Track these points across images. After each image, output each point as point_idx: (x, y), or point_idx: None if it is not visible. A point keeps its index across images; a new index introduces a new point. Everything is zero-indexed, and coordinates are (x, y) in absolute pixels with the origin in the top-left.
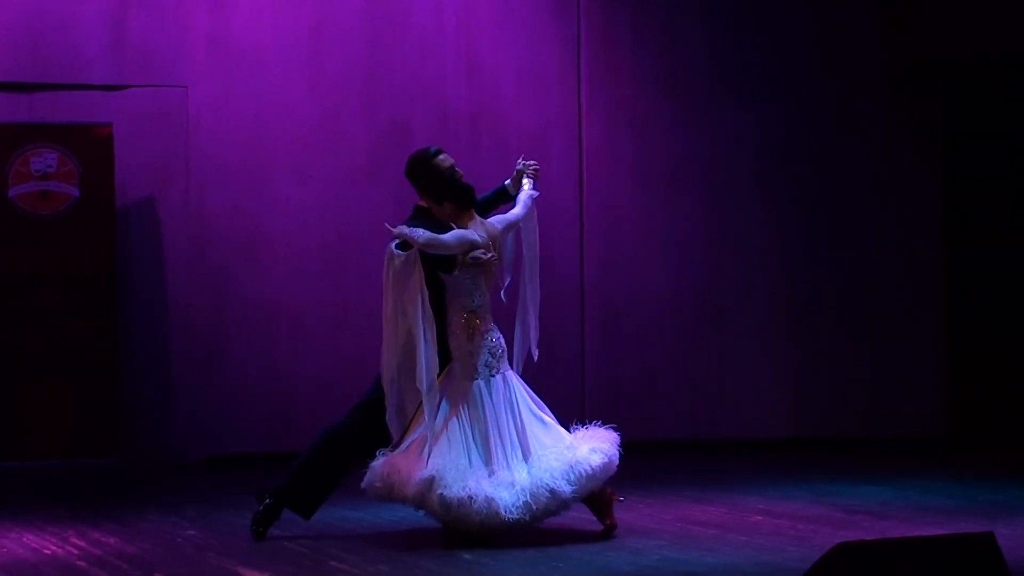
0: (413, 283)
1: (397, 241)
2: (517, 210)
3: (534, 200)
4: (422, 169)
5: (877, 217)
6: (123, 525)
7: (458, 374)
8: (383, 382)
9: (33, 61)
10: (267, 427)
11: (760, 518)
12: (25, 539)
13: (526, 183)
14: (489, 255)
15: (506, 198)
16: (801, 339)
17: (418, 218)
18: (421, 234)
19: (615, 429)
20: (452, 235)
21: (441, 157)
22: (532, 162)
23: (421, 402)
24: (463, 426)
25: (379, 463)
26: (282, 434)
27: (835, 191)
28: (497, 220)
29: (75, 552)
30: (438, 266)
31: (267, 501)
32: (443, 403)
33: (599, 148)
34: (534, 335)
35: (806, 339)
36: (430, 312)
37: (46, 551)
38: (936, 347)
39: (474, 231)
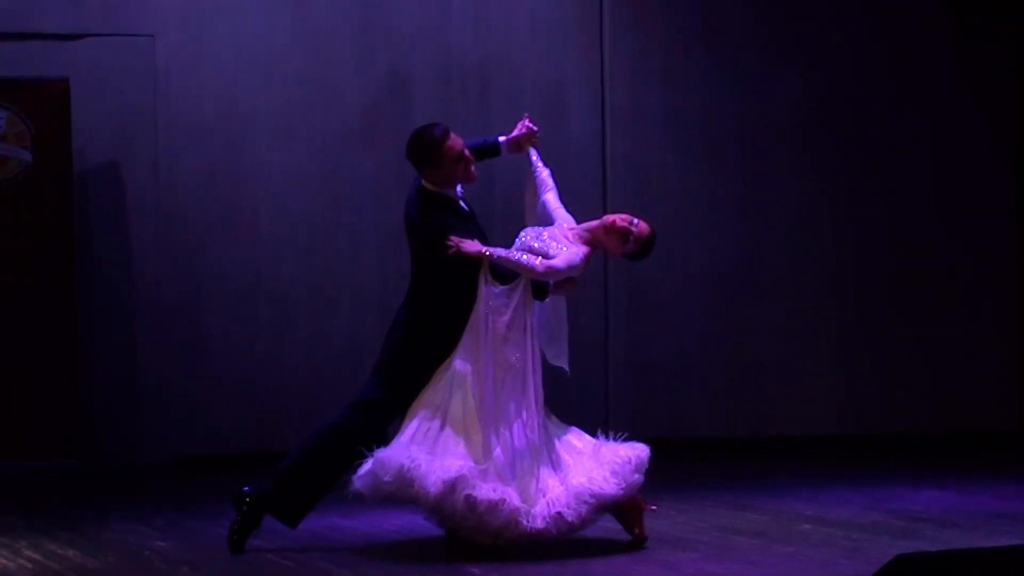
0: (522, 314)
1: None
2: (554, 199)
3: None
4: (429, 157)
5: (941, 187)
6: (83, 535)
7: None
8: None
9: None
10: (247, 424)
11: (809, 526)
12: None
13: (536, 162)
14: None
15: (492, 155)
16: (853, 323)
17: (441, 209)
18: (538, 264)
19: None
20: (564, 262)
21: (449, 143)
22: (534, 126)
23: (424, 389)
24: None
25: (390, 456)
26: (264, 432)
27: (893, 158)
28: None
29: (28, 566)
30: (534, 292)
31: (245, 508)
32: (462, 399)
33: (624, 106)
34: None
35: (859, 323)
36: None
37: None
38: (1008, 332)
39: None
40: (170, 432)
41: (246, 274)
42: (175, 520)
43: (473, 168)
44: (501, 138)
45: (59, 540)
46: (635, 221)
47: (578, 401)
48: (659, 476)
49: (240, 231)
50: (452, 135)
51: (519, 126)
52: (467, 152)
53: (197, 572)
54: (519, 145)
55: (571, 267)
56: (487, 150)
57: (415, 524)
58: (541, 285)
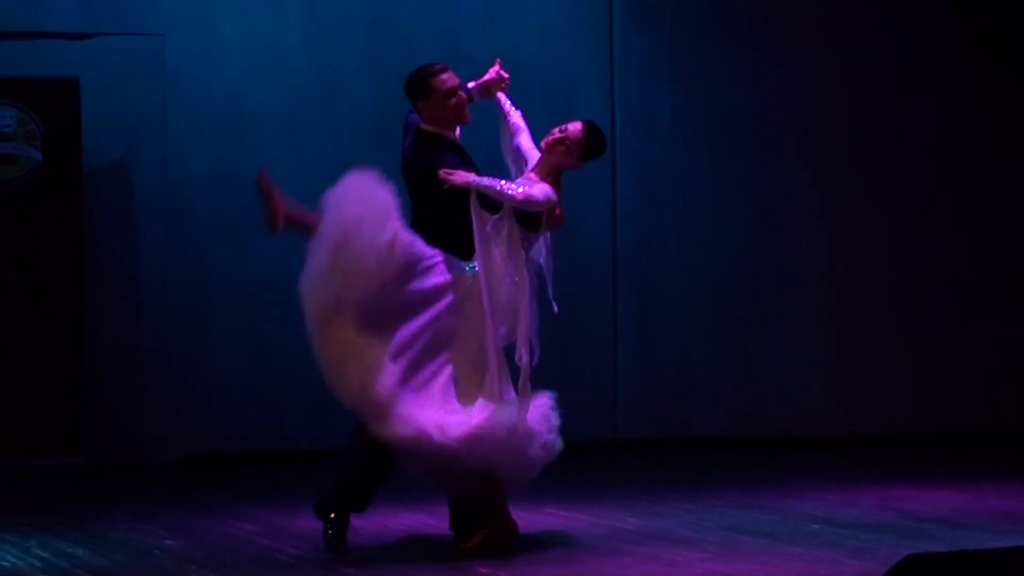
0: (513, 244)
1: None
2: (527, 140)
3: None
4: (421, 87)
5: (949, 185)
6: (91, 534)
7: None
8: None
9: None
10: (254, 422)
11: (816, 526)
12: None
13: (506, 104)
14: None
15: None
16: (861, 322)
17: (429, 144)
18: (516, 191)
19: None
20: (541, 192)
21: (443, 77)
22: (504, 73)
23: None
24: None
25: (412, 414)
26: (271, 430)
27: (901, 156)
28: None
29: (37, 564)
30: (524, 223)
31: (332, 516)
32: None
33: (634, 106)
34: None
35: (867, 322)
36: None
37: (4, 563)
38: (1015, 331)
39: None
40: (177, 430)
41: (254, 273)
42: (183, 518)
43: (467, 111)
44: (470, 84)
45: (67, 538)
46: (563, 127)
47: (586, 400)
48: (666, 475)
49: (248, 230)
50: (449, 72)
51: (490, 71)
52: (463, 93)
53: (205, 571)
54: (488, 90)
55: (548, 198)
56: None
57: (423, 524)
58: (534, 217)
